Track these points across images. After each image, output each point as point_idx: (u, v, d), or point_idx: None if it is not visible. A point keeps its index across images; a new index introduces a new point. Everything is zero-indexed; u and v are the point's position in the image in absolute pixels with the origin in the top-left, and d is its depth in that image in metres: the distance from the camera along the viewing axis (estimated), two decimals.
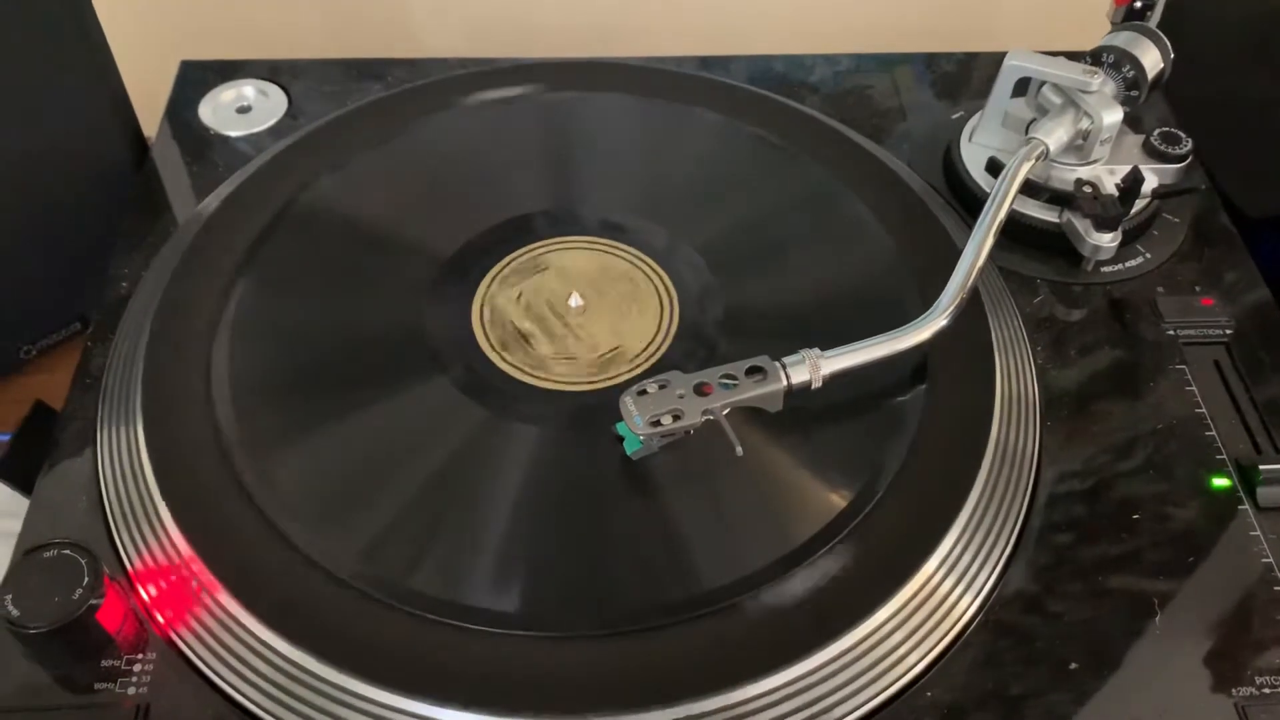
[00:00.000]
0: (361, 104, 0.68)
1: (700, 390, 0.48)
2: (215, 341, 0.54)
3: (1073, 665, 0.46)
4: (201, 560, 0.46)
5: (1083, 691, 0.45)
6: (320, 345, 0.55)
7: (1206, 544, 0.50)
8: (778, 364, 0.49)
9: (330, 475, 0.50)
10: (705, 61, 0.74)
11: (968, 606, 0.47)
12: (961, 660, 0.46)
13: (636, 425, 0.47)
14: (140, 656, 0.45)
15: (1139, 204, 0.60)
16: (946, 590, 0.47)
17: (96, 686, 0.44)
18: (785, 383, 0.49)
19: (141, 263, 0.60)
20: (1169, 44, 0.61)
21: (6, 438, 0.54)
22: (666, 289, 0.58)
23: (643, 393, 0.48)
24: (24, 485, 0.52)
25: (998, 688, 0.45)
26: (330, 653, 0.44)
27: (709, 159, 0.65)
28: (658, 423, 0.47)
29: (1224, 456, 0.53)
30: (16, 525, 0.49)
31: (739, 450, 0.46)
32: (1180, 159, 0.61)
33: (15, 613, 0.43)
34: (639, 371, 0.55)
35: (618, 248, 0.60)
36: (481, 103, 0.67)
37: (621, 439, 0.50)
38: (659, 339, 0.56)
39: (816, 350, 0.49)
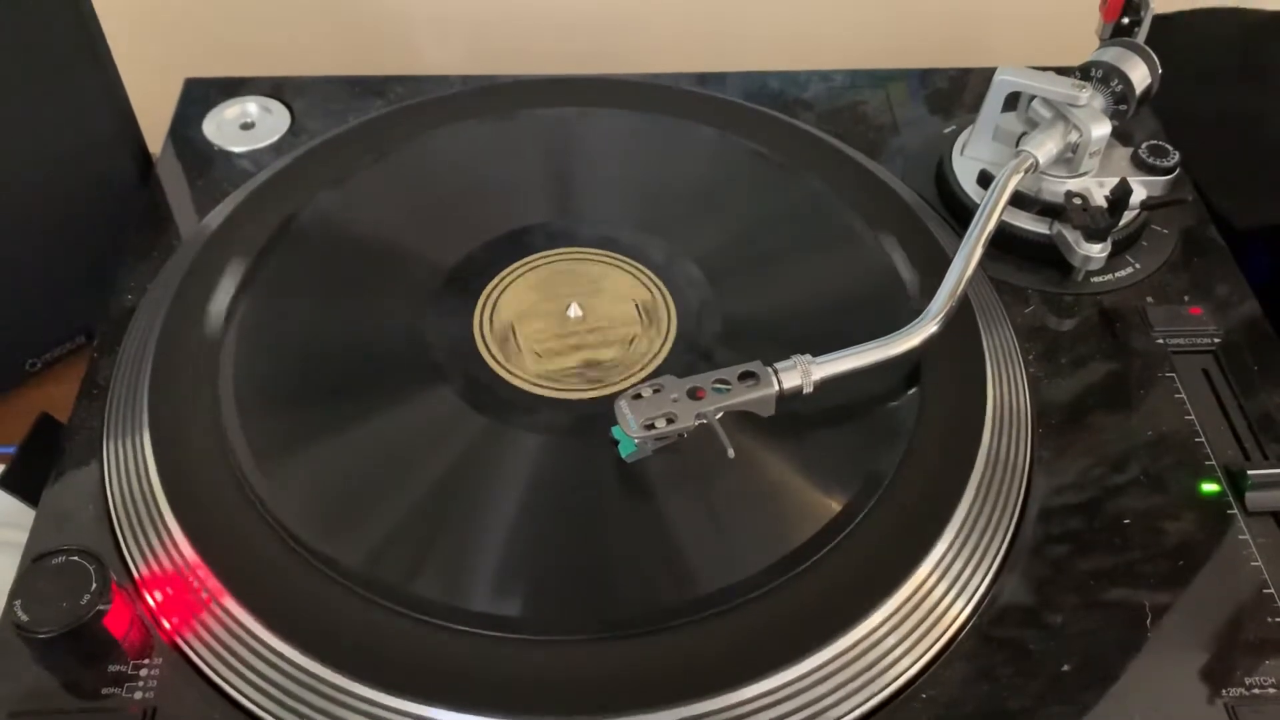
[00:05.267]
0: (363, 120, 0.69)
1: (694, 394, 0.49)
2: (220, 353, 0.54)
3: (1065, 667, 0.46)
4: (207, 566, 0.47)
5: (1075, 695, 0.46)
6: (324, 356, 0.56)
7: (1196, 549, 0.50)
8: (770, 369, 0.50)
9: (334, 482, 0.51)
10: (702, 78, 0.75)
11: (960, 612, 0.48)
12: (953, 667, 0.47)
13: (631, 428, 0.48)
14: (147, 662, 0.46)
15: (1128, 215, 0.60)
16: (939, 596, 0.48)
17: (103, 691, 0.45)
18: (777, 387, 0.49)
19: (146, 276, 0.61)
20: (1156, 59, 0.62)
21: (12, 450, 0.54)
22: (664, 299, 0.59)
23: (637, 396, 0.49)
24: (29, 497, 0.52)
25: (990, 692, 0.46)
26: (334, 657, 0.44)
27: (706, 173, 0.66)
28: (652, 426, 0.48)
29: (1213, 462, 0.53)
30: (21, 537, 0.50)
31: (731, 453, 0.47)
32: (1168, 171, 0.62)
33: (24, 618, 0.44)
34: (636, 380, 0.55)
35: (616, 259, 0.61)
36: (481, 118, 0.68)
37: (617, 442, 0.50)
38: (657, 348, 0.57)
39: (808, 356, 0.50)
